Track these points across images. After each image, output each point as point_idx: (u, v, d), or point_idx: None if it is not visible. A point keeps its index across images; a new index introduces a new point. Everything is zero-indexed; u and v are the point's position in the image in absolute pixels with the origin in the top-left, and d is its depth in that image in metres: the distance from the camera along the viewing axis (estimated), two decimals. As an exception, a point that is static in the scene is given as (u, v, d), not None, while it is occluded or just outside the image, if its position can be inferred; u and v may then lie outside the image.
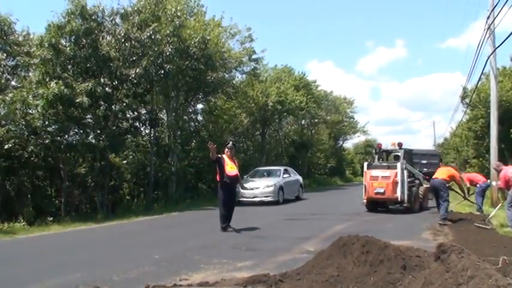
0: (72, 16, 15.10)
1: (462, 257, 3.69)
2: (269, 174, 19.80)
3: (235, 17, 43.78)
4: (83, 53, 15.14)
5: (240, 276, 5.45)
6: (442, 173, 11.56)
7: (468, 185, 13.25)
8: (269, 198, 17.44)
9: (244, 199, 17.17)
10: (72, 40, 15.25)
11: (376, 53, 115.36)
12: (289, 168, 21.58)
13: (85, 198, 16.83)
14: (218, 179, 10.22)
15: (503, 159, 13.70)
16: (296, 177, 20.78)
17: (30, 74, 16.55)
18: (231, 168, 10.08)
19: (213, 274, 5.87)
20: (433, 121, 72.42)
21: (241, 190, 15.74)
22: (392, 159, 15.40)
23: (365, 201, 14.23)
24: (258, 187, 17.75)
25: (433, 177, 11.70)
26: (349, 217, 12.67)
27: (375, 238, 4.93)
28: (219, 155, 10.05)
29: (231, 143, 11.05)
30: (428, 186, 13.36)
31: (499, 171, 11.02)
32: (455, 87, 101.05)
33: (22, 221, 12.40)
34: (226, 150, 10.34)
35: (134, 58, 16.28)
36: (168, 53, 17.01)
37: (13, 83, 17.63)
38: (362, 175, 16.07)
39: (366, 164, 14.93)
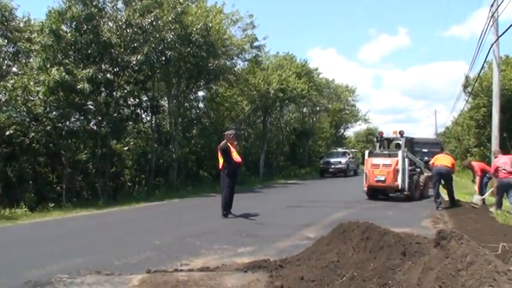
0: (73, 2, 14.96)
1: (462, 244, 3.69)
2: None
3: (237, 3, 43.50)
4: (84, 39, 15.02)
5: (240, 261, 5.48)
6: (447, 161, 11.50)
7: (479, 173, 12.94)
8: None
9: None
10: (73, 26, 15.12)
11: (379, 40, 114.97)
12: None
13: (86, 185, 16.85)
14: (221, 167, 10.26)
15: (505, 148, 13.66)
16: None
17: (31, 60, 16.44)
18: (236, 154, 10.28)
19: (213, 259, 5.92)
20: (434, 110, 72.59)
21: None
22: (393, 148, 15.41)
23: (366, 188, 14.27)
24: None
25: (440, 164, 11.56)
26: (349, 204, 12.71)
27: (375, 225, 4.94)
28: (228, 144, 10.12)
29: (235, 131, 11.13)
30: (429, 174, 13.35)
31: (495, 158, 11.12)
32: (458, 76, 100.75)
33: (24, 207, 12.41)
34: (231, 137, 10.38)
35: (136, 44, 16.16)
36: (169, 40, 16.88)
37: (14, 69, 17.56)
38: (363, 163, 16.07)
39: (367, 152, 14.96)
